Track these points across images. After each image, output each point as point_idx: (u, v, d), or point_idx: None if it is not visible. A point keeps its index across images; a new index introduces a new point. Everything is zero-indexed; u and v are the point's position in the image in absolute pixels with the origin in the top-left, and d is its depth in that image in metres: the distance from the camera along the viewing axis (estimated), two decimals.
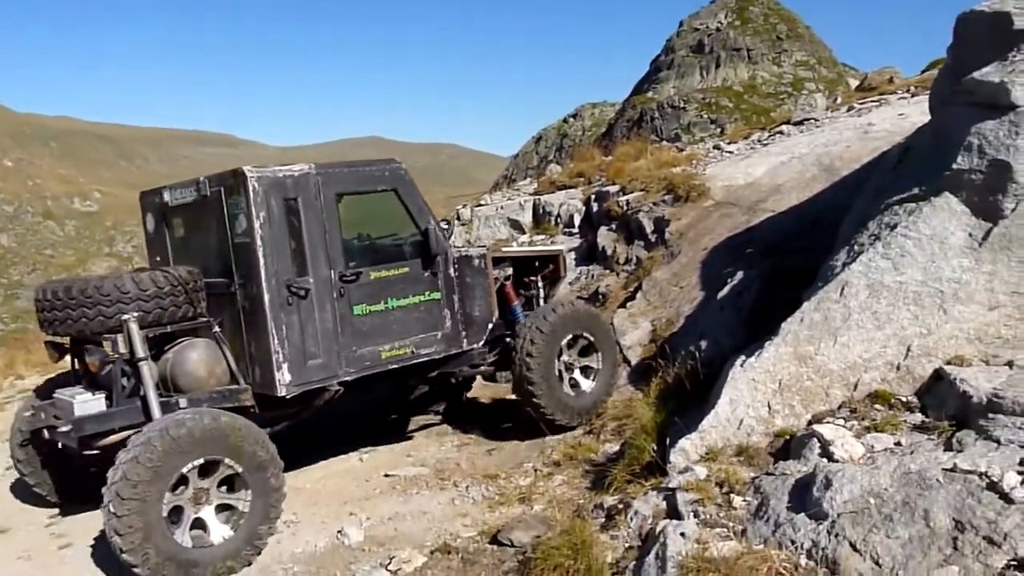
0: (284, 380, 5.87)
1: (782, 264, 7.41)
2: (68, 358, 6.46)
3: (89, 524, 6.11)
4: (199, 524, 5.30)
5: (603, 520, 4.72)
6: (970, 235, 4.99)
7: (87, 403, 5.71)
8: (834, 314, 5.04)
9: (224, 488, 5.39)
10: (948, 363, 4.74)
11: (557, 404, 7.09)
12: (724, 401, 4.95)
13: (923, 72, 16.48)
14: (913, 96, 12.95)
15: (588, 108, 64.67)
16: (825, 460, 4.19)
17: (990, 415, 4.10)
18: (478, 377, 8.15)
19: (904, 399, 4.72)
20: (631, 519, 4.41)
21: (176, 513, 5.18)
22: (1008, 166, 4.87)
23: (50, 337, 6.29)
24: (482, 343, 7.23)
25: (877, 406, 4.71)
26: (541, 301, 8.00)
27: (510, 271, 7.81)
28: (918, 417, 4.51)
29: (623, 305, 8.87)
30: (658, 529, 4.06)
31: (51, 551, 6.02)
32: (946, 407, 4.45)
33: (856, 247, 5.38)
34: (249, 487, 5.37)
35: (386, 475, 6.83)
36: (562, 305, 7.47)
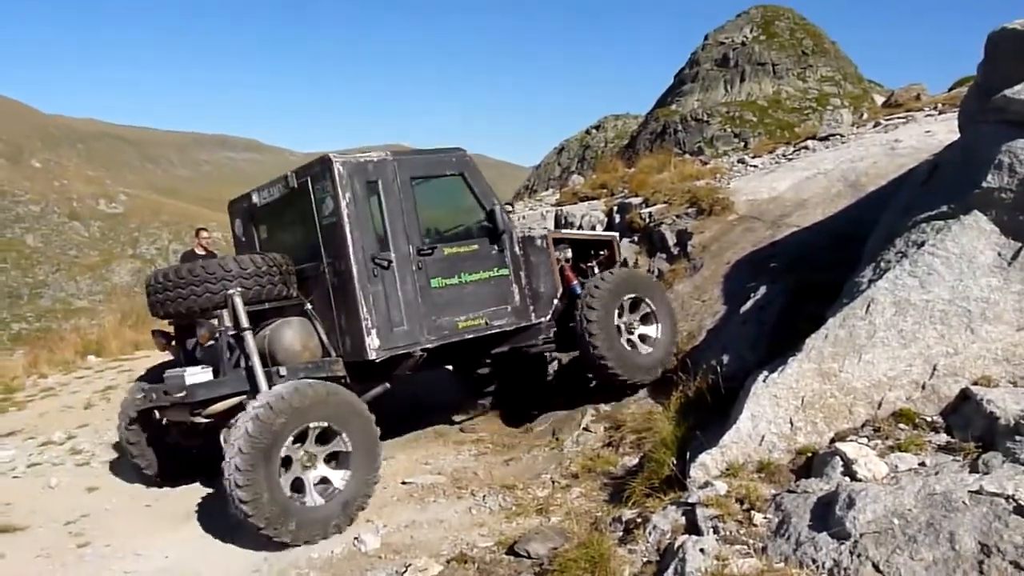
0: (373, 345, 6.38)
1: (806, 279, 7.35)
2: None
3: (110, 523, 6.15)
4: (301, 485, 5.86)
5: (621, 534, 4.67)
6: (999, 254, 4.93)
7: (196, 374, 6.29)
8: (859, 331, 4.98)
9: (330, 451, 6.00)
10: (975, 383, 4.67)
11: (618, 360, 7.40)
12: (746, 416, 4.91)
13: (950, 90, 16.35)
14: (940, 113, 12.85)
15: (611, 120, 64.61)
16: (848, 479, 4.14)
17: (1017, 437, 4.04)
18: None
19: (929, 419, 4.65)
20: (649, 533, 4.37)
21: (289, 472, 5.77)
22: None
23: (157, 326, 7.17)
24: (548, 317, 7.63)
25: (901, 425, 4.65)
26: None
27: (569, 253, 8.18)
28: (943, 438, 4.45)
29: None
30: (677, 544, 4.02)
31: (69, 548, 6.06)
32: (972, 428, 4.39)
33: (883, 264, 5.33)
34: (352, 450, 5.99)
35: (403, 483, 6.83)
36: (610, 273, 7.84)
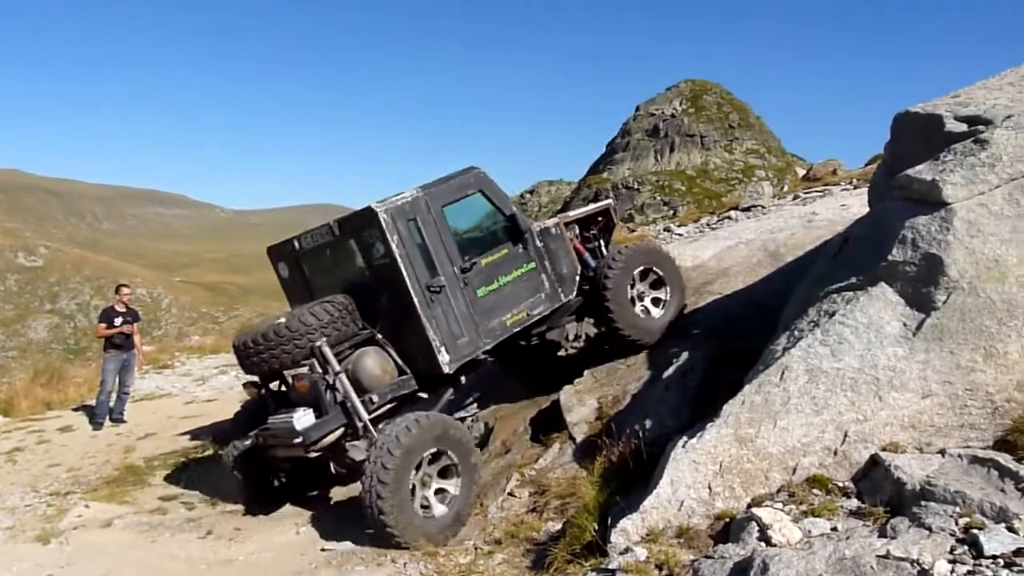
0: (445, 360, 7.31)
1: (727, 346, 7.52)
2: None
3: None
4: (426, 501, 6.79)
5: None
6: (905, 325, 5.14)
7: (302, 419, 6.99)
8: (774, 398, 5.12)
9: (441, 472, 6.91)
10: (883, 449, 4.83)
11: (630, 323, 8.36)
12: (666, 482, 4.96)
13: (865, 165, 17.19)
14: (855, 188, 13.47)
15: (545, 185, 65.79)
16: (763, 544, 4.21)
17: (923, 502, 4.19)
18: None
19: (841, 484, 4.78)
20: None
21: (416, 495, 6.64)
22: (940, 260, 5.06)
23: (248, 378, 7.84)
24: (574, 294, 8.50)
25: (815, 490, 4.76)
26: (602, 246, 9.34)
27: (576, 230, 9.08)
28: (854, 503, 4.57)
29: (570, 381, 8.88)
30: None
31: None
32: (881, 493, 4.52)
33: (797, 333, 5.50)
34: (460, 469, 6.93)
35: (322, 549, 6.65)
36: (628, 247, 8.81)
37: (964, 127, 5.82)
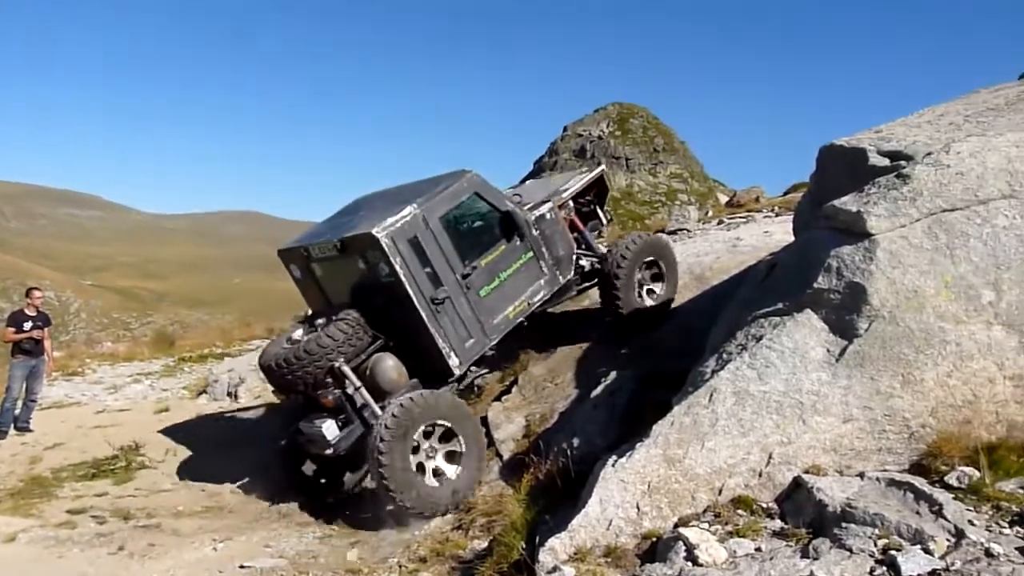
0: (455, 364, 7.84)
1: (655, 366, 7.64)
2: None
3: None
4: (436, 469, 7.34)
5: None
6: (828, 351, 5.29)
7: (330, 429, 7.64)
8: (702, 419, 5.19)
9: (444, 442, 7.43)
10: (806, 472, 4.95)
11: (629, 307, 9.01)
12: (594, 501, 4.97)
13: (785, 193, 17.75)
14: (777, 216, 13.87)
15: None
16: (690, 564, 4.25)
17: (843, 524, 4.30)
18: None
19: (765, 505, 4.88)
20: None
21: (418, 460, 7.22)
22: (863, 288, 5.23)
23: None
24: (572, 274, 8.98)
25: (740, 511, 4.84)
26: (599, 214, 10.04)
27: (571, 206, 9.47)
28: (778, 524, 4.66)
29: (498, 398, 8.88)
30: None
31: None
32: (804, 514, 4.63)
33: (725, 355, 5.61)
34: (461, 437, 7.44)
35: (241, 567, 6.46)
36: (641, 236, 9.50)
37: (887, 161, 6.05)
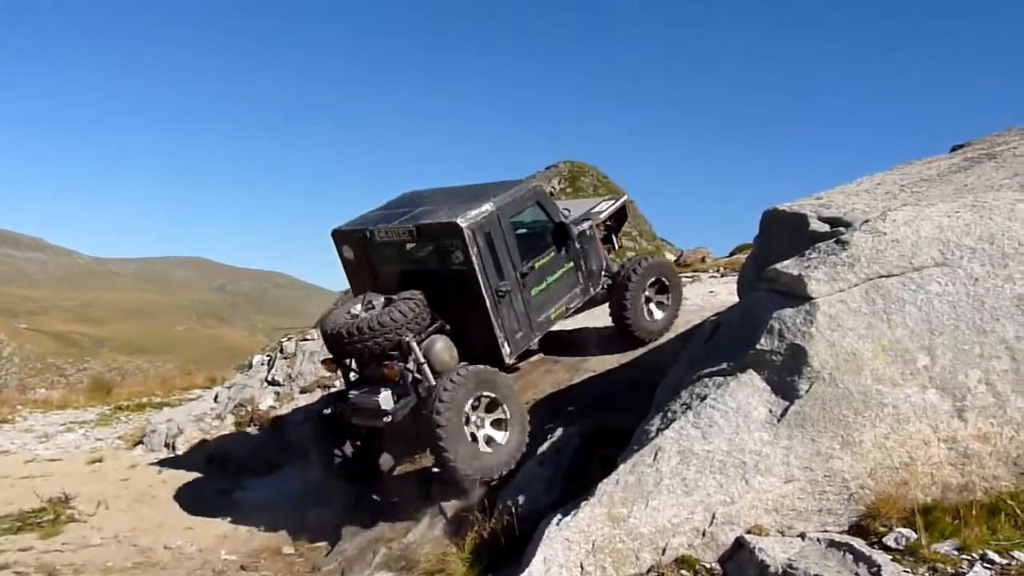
0: (507, 352, 8.51)
1: (601, 423, 7.65)
2: None
3: None
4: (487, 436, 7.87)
5: None
6: (770, 411, 5.37)
7: (386, 398, 8.04)
8: (647, 478, 5.21)
9: (490, 412, 7.94)
10: (748, 532, 4.99)
11: (639, 324, 9.70)
12: (538, 560, 4.93)
13: (731, 254, 18.08)
14: (723, 276, 14.11)
15: None
16: None
17: None
18: None
19: (708, 565, 4.89)
20: None
21: (470, 430, 7.72)
22: (804, 350, 5.35)
23: (326, 358, 8.79)
24: (599, 288, 9.74)
25: (683, 571, 4.85)
26: (613, 240, 10.78)
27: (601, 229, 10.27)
28: None
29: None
30: None
31: None
32: (746, 575, 4.65)
33: (670, 414, 5.66)
34: (506, 406, 7.97)
35: None
36: (647, 259, 10.08)
37: (827, 227, 6.25)
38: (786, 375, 5.41)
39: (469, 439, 7.65)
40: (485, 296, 8.21)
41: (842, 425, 5.21)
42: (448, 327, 8.51)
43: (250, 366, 15.47)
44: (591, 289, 9.65)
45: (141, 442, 12.58)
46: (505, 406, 7.99)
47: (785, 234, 6.78)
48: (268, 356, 15.25)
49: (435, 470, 8.05)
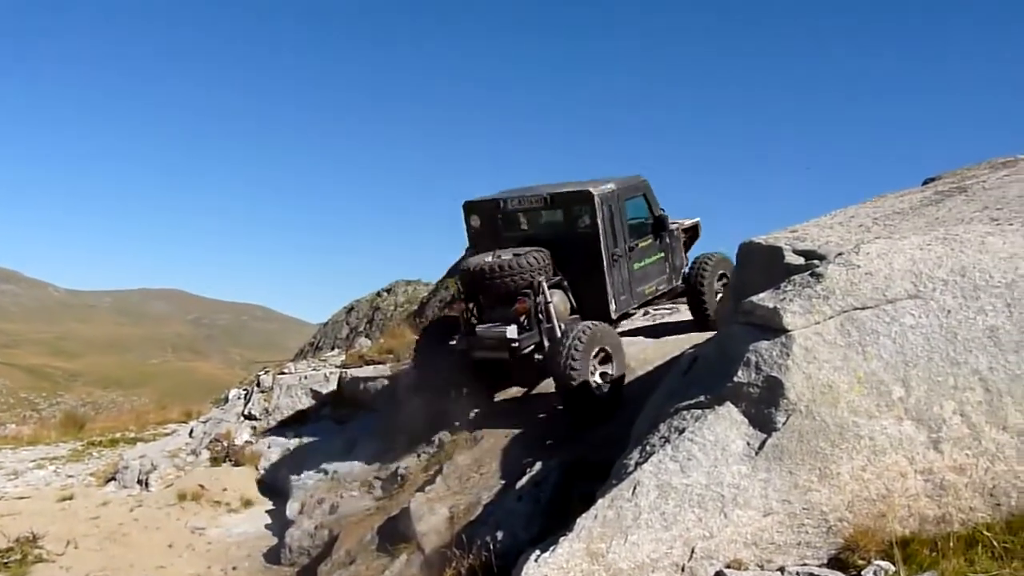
0: (613, 308, 9.98)
1: (581, 456, 7.63)
2: None
3: None
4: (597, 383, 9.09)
5: None
6: (748, 444, 5.37)
7: (512, 330, 9.45)
8: (626, 513, 5.18)
9: (603, 364, 9.22)
10: (728, 566, 4.96)
11: (713, 309, 10.80)
12: None
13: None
14: None
15: (402, 284, 65.40)
16: None
17: None
18: None
19: None
20: None
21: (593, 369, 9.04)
22: (780, 383, 5.36)
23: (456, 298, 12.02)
24: (679, 281, 11.18)
25: None
26: (684, 250, 11.69)
27: None
28: None
29: (421, 488, 8.71)
30: None
31: None
32: None
33: (648, 447, 5.64)
34: (615, 361, 9.33)
35: None
36: (711, 256, 11.24)
37: (802, 260, 6.31)
38: (763, 408, 5.41)
39: (591, 381, 8.90)
40: (603, 256, 9.74)
41: (819, 457, 5.21)
42: (566, 283, 9.95)
43: (226, 400, 15.31)
44: (674, 281, 11.13)
45: (113, 479, 12.38)
46: (615, 361, 9.30)
47: (761, 267, 6.83)
48: (245, 390, 15.10)
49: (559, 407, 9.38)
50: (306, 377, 13.89)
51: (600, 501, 5.35)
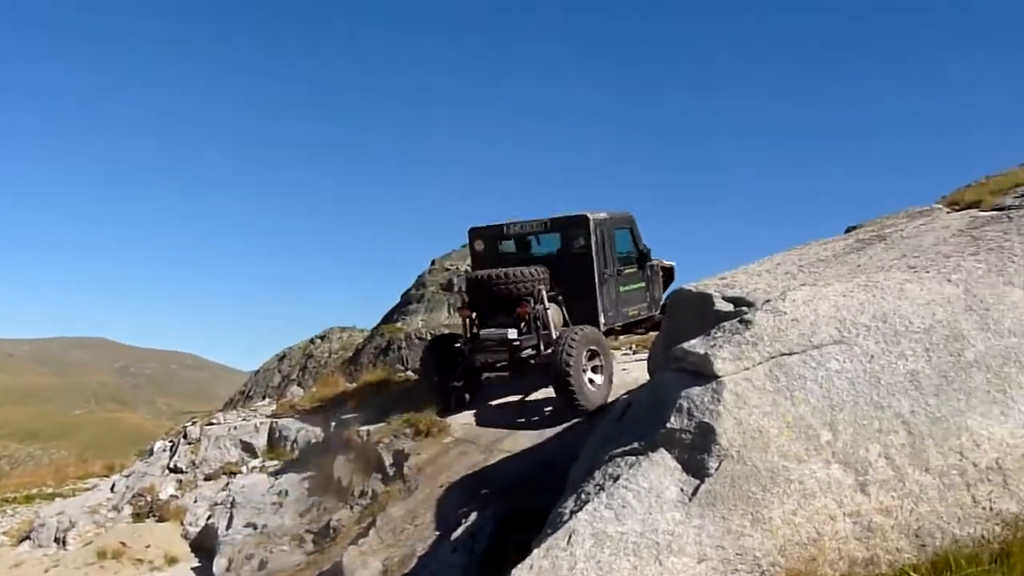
0: (602, 322, 11.17)
1: (516, 506, 7.57)
2: None
3: None
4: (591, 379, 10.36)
5: None
6: (682, 490, 5.39)
7: (512, 332, 10.76)
8: (562, 563, 5.12)
9: (592, 360, 10.41)
10: None
11: None
12: None
13: (644, 332, 18.36)
14: (635, 353, 14.31)
15: (337, 331, 64.79)
16: None
17: None
18: None
19: None
20: None
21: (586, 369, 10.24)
22: (712, 428, 5.42)
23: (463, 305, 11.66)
24: (657, 311, 12.32)
25: None
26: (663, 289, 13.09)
27: None
28: None
29: (355, 542, 8.51)
30: None
31: None
32: None
33: (583, 495, 5.61)
34: (603, 357, 10.56)
35: None
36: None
37: (731, 307, 6.43)
38: (696, 453, 5.45)
39: (585, 379, 10.04)
40: (595, 274, 11.05)
41: (751, 502, 5.26)
42: (560, 298, 11.16)
43: (151, 453, 14.81)
44: (653, 309, 12.39)
45: (28, 537, 11.84)
46: (603, 357, 10.51)
47: (692, 313, 6.94)
48: (171, 442, 14.63)
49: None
50: (235, 428, 13.55)
51: (535, 551, 5.29)
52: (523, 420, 10.63)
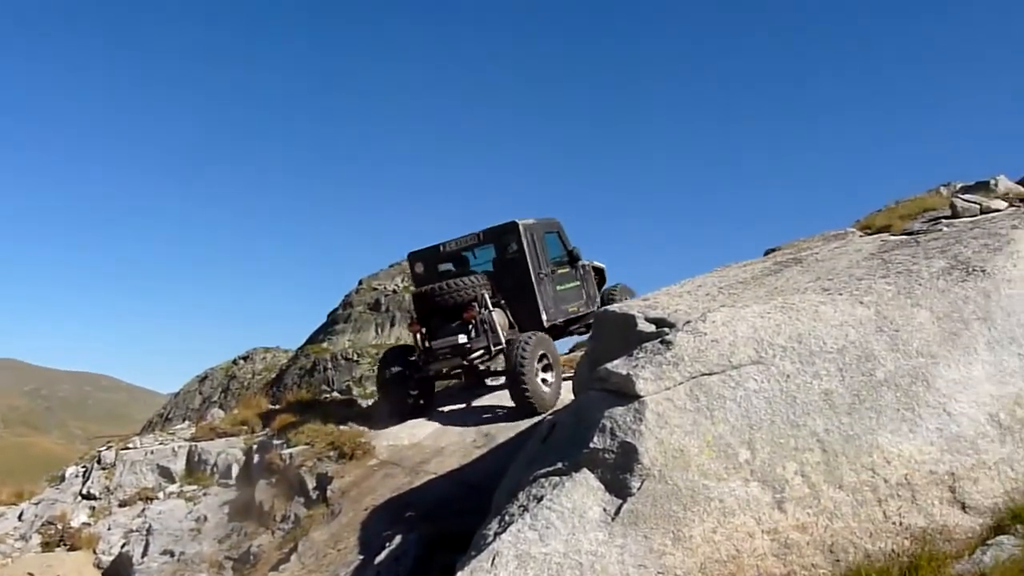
0: (545, 319, 11.73)
1: (441, 528, 7.50)
2: None
3: None
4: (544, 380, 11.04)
5: None
6: (605, 510, 5.42)
7: (463, 337, 11.26)
8: None
9: (541, 362, 11.03)
10: None
11: None
12: None
13: (570, 351, 18.48)
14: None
15: (260, 352, 63.41)
16: None
17: None
18: None
19: None
20: None
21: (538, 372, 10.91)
22: (634, 448, 5.48)
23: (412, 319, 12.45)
24: (593, 308, 12.77)
25: None
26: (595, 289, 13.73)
27: None
28: None
29: (276, 568, 8.31)
30: None
31: None
32: None
33: (507, 517, 5.60)
34: (552, 362, 11.27)
35: None
36: (616, 287, 14.00)
37: (653, 328, 6.53)
38: (619, 473, 5.50)
39: (539, 380, 10.71)
40: (531, 274, 11.70)
41: (673, 521, 5.32)
42: (503, 303, 11.75)
43: (63, 479, 14.16)
44: (591, 306, 12.97)
45: None
46: (552, 362, 11.18)
47: (615, 334, 7.02)
48: (84, 467, 14.03)
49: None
50: (152, 452, 13.10)
51: (459, 573, 5.25)
52: (464, 428, 10.73)
